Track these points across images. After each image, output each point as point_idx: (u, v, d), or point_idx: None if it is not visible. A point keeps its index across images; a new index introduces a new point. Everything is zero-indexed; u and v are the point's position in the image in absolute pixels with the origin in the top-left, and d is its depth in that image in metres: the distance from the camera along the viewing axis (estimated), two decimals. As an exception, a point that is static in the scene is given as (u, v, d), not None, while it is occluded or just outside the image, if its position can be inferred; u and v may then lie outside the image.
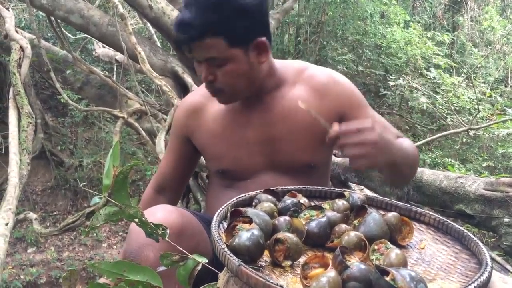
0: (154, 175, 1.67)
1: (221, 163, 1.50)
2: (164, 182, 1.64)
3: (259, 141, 1.45)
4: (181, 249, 0.96)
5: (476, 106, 4.87)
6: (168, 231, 1.00)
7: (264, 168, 1.47)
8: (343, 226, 1.04)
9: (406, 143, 1.33)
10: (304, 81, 1.46)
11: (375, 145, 1.08)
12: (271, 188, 1.21)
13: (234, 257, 0.85)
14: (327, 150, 1.53)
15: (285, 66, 1.49)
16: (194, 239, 1.26)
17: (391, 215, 1.08)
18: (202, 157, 1.63)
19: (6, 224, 2.07)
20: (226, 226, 1.00)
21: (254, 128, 1.45)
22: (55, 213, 6.75)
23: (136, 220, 0.96)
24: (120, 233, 6.71)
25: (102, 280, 1.15)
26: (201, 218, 1.39)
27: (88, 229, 0.97)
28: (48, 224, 6.41)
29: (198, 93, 1.58)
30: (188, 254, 0.95)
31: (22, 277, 5.72)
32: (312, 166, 1.48)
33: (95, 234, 6.50)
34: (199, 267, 0.94)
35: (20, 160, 2.45)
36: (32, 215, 3.32)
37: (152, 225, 0.97)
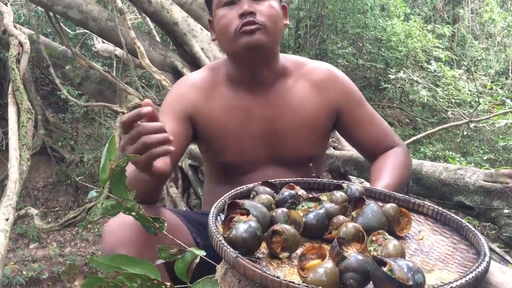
0: None
1: (224, 156, 1.48)
2: None
3: (263, 135, 1.46)
4: (179, 242, 0.97)
5: (476, 99, 4.86)
6: (165, 224, 1.00)
7: (265, 162, 1.47)
8: (341, 217, 1.04)
9: (399, 169, 1.42)
10: (304, 76, 1.48)
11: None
12: (269, 181, 1.21)
13: (231, 249, 0.85)
14: (325, 142, 1.56)
15: (285, 58, 1.51)
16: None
17: (389, 206, 1.08)
18: (198, 149, 1.58)
19: (7, 220, 2.08)
20: (223, 218, 1.00)
21: (259, 121, 1.45)
22: (56, 209, 6.76)
23: (134, 213, 0.96)
24: (121, 229, 6.72)
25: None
26: (186, 217, 1.37)
27: (85, 223, 0.97)
28: (49, 220, 6.42)
29: (204, 73, 1.52)
30: (186, 247, 0.95)
31: (24, 272, 5.73)
32: (313, 158, 1.49)
33: (96, 230, 6.52)
34: (197, 260, 0.94)
35: (20, 155, 2.46)
36: (33, 211, 3.34)
37: (150, 219, 0.98)
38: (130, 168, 0.98)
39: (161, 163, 1.08)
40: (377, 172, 1.42)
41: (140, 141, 0.97)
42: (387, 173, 1.39)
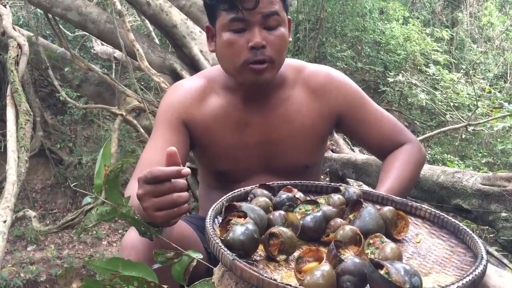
0: (138, 168, 1.33)
1: (219, 165, 1.47)
2: None
3: (259, 144, 1.44)
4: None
5: (475, 102, 4.87)
6: (161, 229, 1.00)
7: (260, 170, 1.46)
8: (339, 220, 1.04)
9: (406, 170, 1.40)
10: (303, 81, 1.46)
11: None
12: (267, 183, 1.21)
13: (228, 252, 0.85)
14: (322, 150, 1.55)
15: (284, 65, 1.46)
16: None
17: (387, 209, 1.08)
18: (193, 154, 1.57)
19: (4, 222, 2.08)
20: (221, 220, 1.00)
21: (255, 130, 1.43)
22: (54, 211, 6.75)
23: (129, 219, 0.95)
24: (120, 231, 6.71)
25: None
26: (193, 221, 1.37)
27: (80, 229, 0.96)
28: (48, 222, 6.41)
29: (199, 81, 1.48)
30: (183, 250, 0.94)
31: (22, 275, 5.72)
32: (308, 166, 1.49)
33: (95, 232, 6.51)
34: (194, 263, 0.94)
35: (18, 157, 2.46)
36: (31, 213, 3.34)
37: (145, 223, 0.97)
38: (135, 206, 0.98)
39: None
40: (383, 174, 1.41)
41: (170, 198, 0.95)
42: (391, 176, 1.37)
